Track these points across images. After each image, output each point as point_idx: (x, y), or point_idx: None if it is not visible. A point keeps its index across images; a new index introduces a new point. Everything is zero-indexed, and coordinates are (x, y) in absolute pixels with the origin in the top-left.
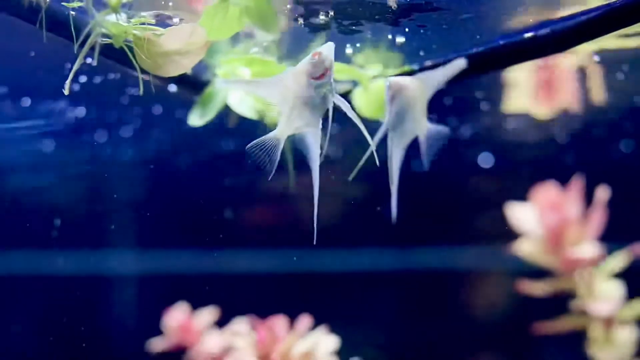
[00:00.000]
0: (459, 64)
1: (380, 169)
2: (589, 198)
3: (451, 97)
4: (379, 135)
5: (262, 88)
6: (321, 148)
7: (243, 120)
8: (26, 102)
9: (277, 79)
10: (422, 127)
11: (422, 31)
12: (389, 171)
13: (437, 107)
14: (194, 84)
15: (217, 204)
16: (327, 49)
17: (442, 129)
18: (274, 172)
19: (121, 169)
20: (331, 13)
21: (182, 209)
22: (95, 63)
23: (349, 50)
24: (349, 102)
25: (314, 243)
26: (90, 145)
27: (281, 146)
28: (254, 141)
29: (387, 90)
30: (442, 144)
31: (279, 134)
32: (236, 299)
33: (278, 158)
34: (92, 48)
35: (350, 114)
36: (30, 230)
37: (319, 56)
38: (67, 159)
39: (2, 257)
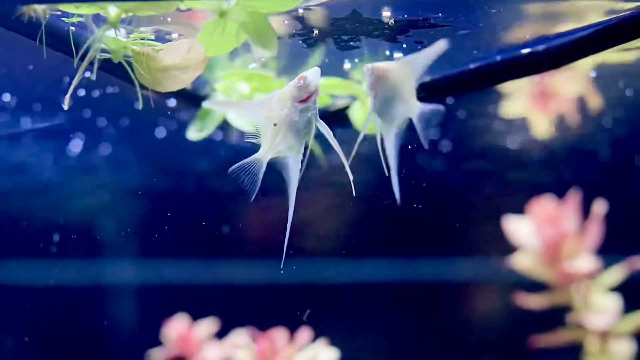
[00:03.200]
0: (441, 45)
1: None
2: (586, 211)
3: (449, 110)
4: (367, 123)
5: (248, 110)
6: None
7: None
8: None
9: (262, 102)
10: (413, 108)
11: (419, 47)
12: (383, 158)
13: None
14: (192, 99)
15: (218, 214)
16: (312, 74)
17: (437, 106)
18: (255, 194)
19: (121, 180)
20: (316, 31)
21: (182, 219)
22: (94, 78)
23: (347, 65)
24: (347, 117)
25: (281, 269)
26: (89, 154)
27: (263, 168)
28: (237, 164)
29: (368, 76)
30: (439, 121)
31: (262, 157)
32: (236, 310)
33: (260, 180)
34: (91, 63)
35: (332, 140)
36: (28, 239)
37: (304, 80)
38: (67, 168)
39: (1, 266)
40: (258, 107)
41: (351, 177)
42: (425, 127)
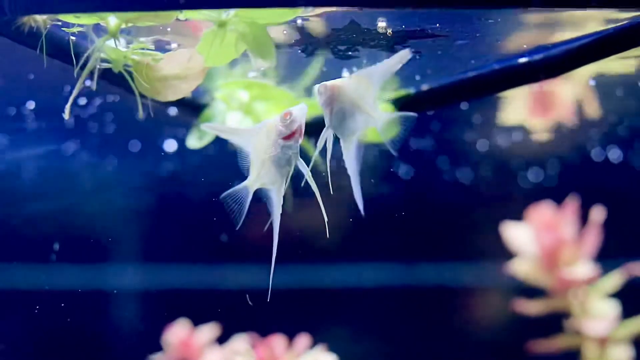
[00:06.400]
0: (403, 54)
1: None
2: (584, 218)
3: (447, 116)
4: (322, 139)
5: (240, 137)
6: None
7: None
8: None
9: (254, 130)
10: (377, 119)
11: (417, 57)
12: (348, 170)
13: (432, 126)
14: (192, 108)
15: (218, 219)
16: (298, 111)
17: (407, 114)
18: (241, 222)
19: (122, 185)
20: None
21: (183, 224)
22: (94, 87)
23: (345, 74)
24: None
25: (268, 300)
26: (90, 158)
27: (250, 197)
28: (227, 191)
29: (320, 95)
30: (409, 127)
31: (249, 185)
32: (237, 316)
33: (247, 209)
34: (92, 72)
35: (310, 181)
36: (30, 243)
37: (289, 117)
38: (70, 173)
39: (2, 270)
40: (250, 135)
41: (326, 218)
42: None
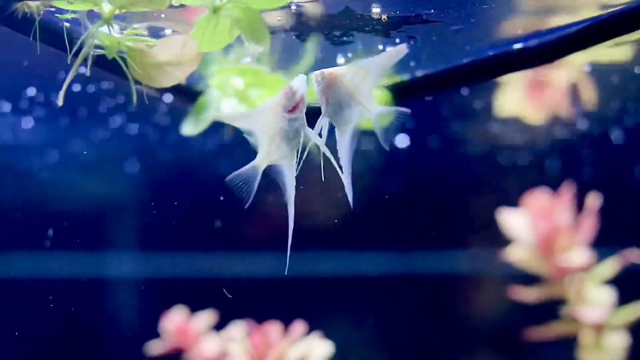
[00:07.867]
0: (400, 48)
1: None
2: (580, 205)
3: (444, 102)
4: (317, 127)
5: (248, 120)
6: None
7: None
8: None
9: (259, 111)
10: (371, 110)
11: (412, 42)
12: (341, 160)
13: (430, 112)
14: (187, 94)
15: (216, 207)
16: (298, 82)
17: (400, 109)
18: (250, 201)
19: (119, 172)
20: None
21: (180, 212)
22: (88, 74)
23: (340, 60)
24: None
25: (285, 273)
26: (90, 146)
27: (259, 176)
28: (235, 172)
29: (318, 83)
30: (401, 123)
31: (258, 164)
32: (234, 303)
33: (255, 188)
34: (86, 58)
35: (323, 148)
36: (28, 231)
37: (290, 90)
38: (66, 161)
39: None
40: (256, 116)
41: (350, 193)
42: (385, 130)
